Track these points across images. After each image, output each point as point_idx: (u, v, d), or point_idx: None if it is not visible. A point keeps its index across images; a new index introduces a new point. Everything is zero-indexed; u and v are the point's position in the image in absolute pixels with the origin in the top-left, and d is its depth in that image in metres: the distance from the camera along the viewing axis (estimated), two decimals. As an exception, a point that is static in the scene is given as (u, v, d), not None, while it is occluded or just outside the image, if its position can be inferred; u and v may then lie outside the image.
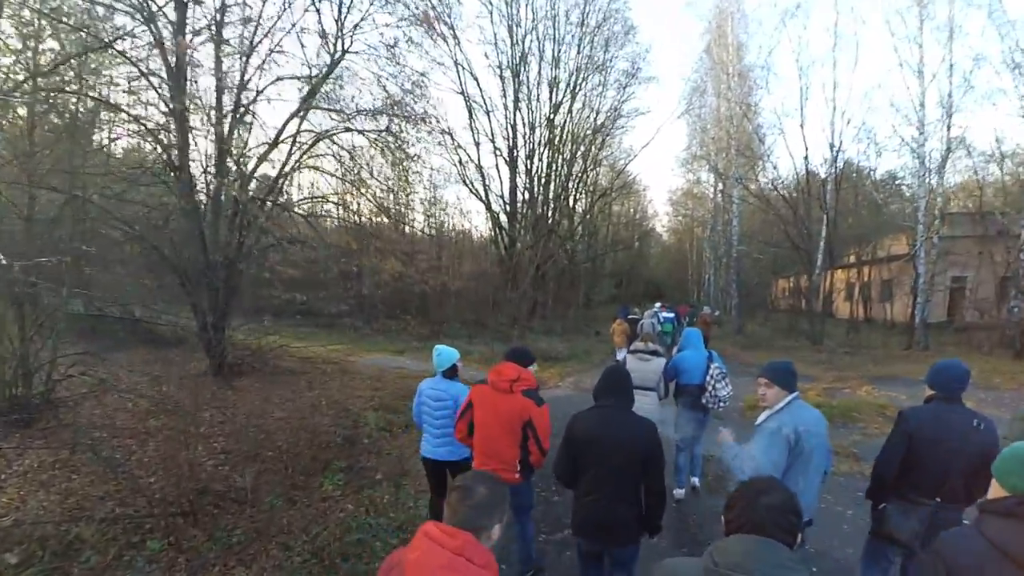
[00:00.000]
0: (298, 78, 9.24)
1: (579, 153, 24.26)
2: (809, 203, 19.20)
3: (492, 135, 20.99)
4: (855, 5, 23.50)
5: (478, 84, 20.21)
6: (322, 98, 9.58)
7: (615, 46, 22.71)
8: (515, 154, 21.13)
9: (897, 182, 25.14)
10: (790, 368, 2.66)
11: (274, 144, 9.16)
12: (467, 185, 20.48)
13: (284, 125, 9.15)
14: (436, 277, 13.39)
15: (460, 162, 20.07)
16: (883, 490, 2.70)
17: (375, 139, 9.93)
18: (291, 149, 9.28)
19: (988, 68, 29.44)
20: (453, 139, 19.20)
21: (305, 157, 9.52)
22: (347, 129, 9.46)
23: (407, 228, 18.26)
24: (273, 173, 9.30)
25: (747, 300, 25.75)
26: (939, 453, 2.47)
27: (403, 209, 17.78)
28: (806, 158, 18.97)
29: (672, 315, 15.21)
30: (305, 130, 9.45)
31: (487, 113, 20.74)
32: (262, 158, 9.13)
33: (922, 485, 2.54)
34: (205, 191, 8.66)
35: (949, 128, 16.48)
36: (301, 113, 9.28)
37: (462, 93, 19.95)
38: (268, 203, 9.22)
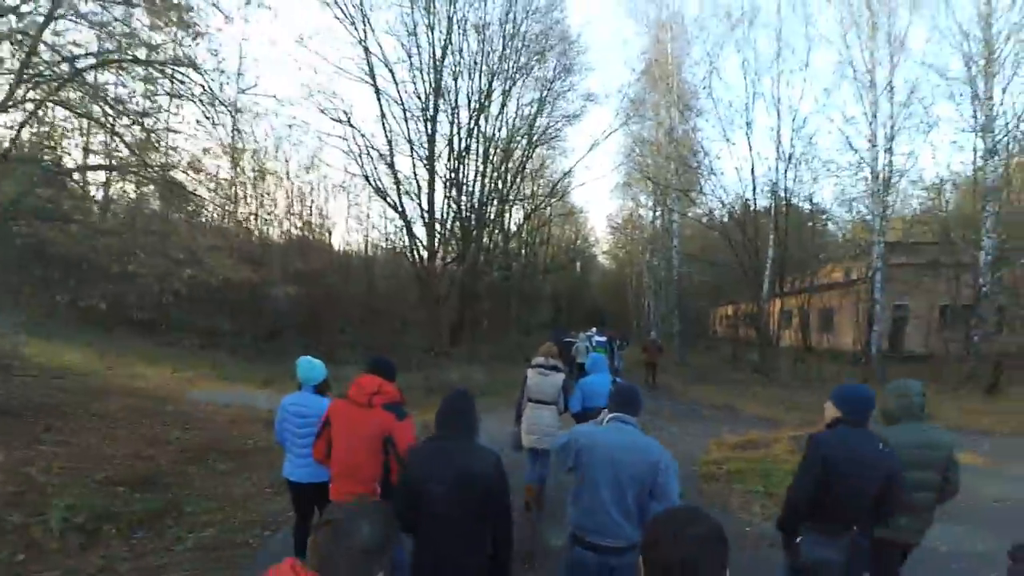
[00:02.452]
0: None
1: (511, 164, 22.13)
2: (757, 223, 17.83)
3: (408, 135, 18.36)
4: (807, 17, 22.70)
5: (393, 77, 17.26)
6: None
7: (552, 56, 21.01)
8: (434, 157, 18.58)
9: (845, 207, 24.38)
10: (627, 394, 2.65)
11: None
12: (371, 183, 17.62)
13: None
14: (314, 287, 10.39)
15: (360, 155, 17.23)
16: (797, 520, 2.56)
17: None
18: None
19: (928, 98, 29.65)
20: (351, 124, 16.55)
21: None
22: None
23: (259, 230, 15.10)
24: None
25: (688, 328, 24.20)
26: (851, 478, 2.41)
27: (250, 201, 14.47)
28: (753, 173, 17.41)
29: (604, 339, 15.69)
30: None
31: (403, 108, 18.12)
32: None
33: (838, 513, 2.47)
34: None
35: (891, 152, 15.62)
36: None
37: (373, 84, 17.29)
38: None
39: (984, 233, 13.08)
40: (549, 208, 33.34)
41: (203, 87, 7.79)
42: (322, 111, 16.92)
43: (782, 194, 17.34)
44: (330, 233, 21.53)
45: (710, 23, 19.27)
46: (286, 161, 19.01)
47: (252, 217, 17.52)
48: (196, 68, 7.63)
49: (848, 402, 2.56)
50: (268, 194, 18.50)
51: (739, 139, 42.03)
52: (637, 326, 36.51)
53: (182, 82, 7.66)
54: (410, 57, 18.17)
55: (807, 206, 21.54)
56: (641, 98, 22.72)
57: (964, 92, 14.08)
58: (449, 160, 19.62)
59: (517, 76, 20.46)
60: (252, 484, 5.42)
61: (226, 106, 8.32)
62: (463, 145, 19.80)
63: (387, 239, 21.67)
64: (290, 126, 18.38)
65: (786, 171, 17.07)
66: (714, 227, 19.58)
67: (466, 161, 20.46)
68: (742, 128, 18.25)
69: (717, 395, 12.88)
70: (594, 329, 19.51)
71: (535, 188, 27.57)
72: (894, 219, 18.61)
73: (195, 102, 7.81)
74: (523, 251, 32.54)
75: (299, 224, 19.44)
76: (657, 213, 27.34)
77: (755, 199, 17.96)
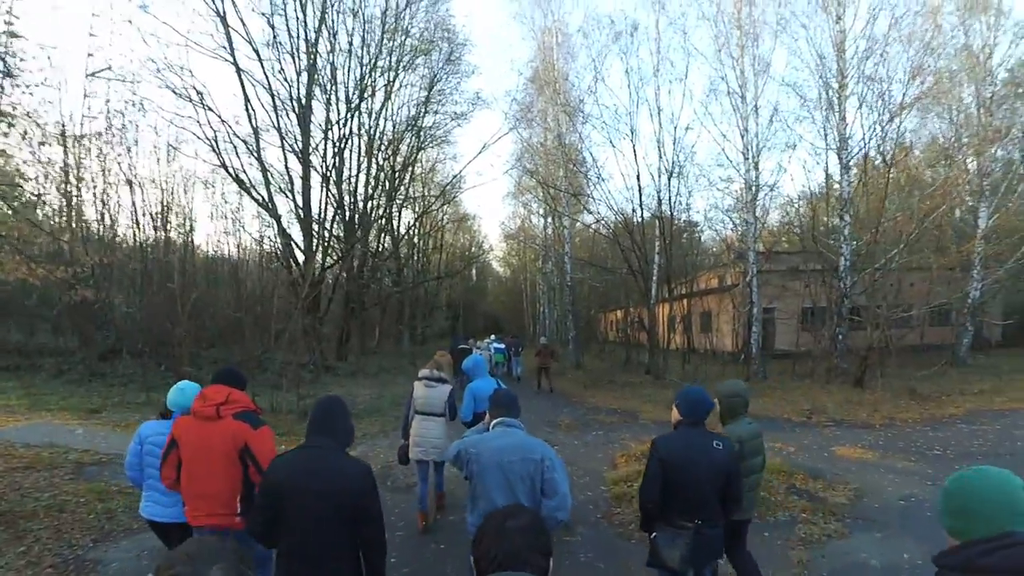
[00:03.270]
0: None
1: (397, 162, 20.72)
2: (644, 230, 18.23)
3: (277, 124, 16.24)
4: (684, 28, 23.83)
5: (259, 56, 15.20)
6: None
7: (437, 51, 20.05)
8: (308, 150, 16.64)
9: (721, 216, 26.12)
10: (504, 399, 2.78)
11: None
12: (230, 172, 15.26)
13: None
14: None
15: (216, 141, 14.87)
16: (651, 520, 2.75)
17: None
18: None
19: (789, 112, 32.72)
20: (205, 105, 14.32)
21: None
22: None
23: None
24: None
25: (581, 333, 24.37)
26: (689, 475, 2.60)
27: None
28: (639, 180, 17.77)
29: (503, 346, 15.85)
30: None
31: (271, 93, 16.00)
32: None
33: (681, 509, 2.63)
34: None
35: (757, 167, 16.76)
36: None
37: (233, 61, 15.03)
38: None
39: (843, 241, 14.34)
40: (442, 213, 32.28)
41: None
42: (170, 89, 14.32)
43: (666, 203, 17.90)
44: (190, 234, 18.51)
45: (593, 32, 19.31)
46: (129, 150, 15.86)
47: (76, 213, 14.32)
48: None
49: (688, 404, 2.78)
50: (111, 184, 15.37)
51: (625, 147, 44.06)
52: (533, 332, 36.55)
53: None
54: (276, 36, 16.15)
55: (686, 215, 22.83)
56: (529, 102, 22.54)
57: (819, 112, 15.59)
58: (327, 154, 17.74)
59: (400, 70, 19.21)
60: (24, 565, 3.79)
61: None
62: (341, 137, 18.03)
63: (259, 242, 19.07)
64: (134, 104, 15.25)
65: (669, 179, 17.62)
66: (604, 233, 19.76)
67: (346, 156, 18.72)
68: (627, 136, 18.62)
69: (614, 399, 12.63)
70: (493, 336, 18.87)
71: (425, 191, 26.31)
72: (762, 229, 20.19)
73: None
74: (415, 257, 31.01)
75: (151, 223, 16.38)
76: (549, 221, 27.48)
77: (642, 206, 18.38)
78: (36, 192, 10.71)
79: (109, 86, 16.83)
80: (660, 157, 17.64)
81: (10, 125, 7.06)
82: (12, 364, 12.52)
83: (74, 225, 13.53)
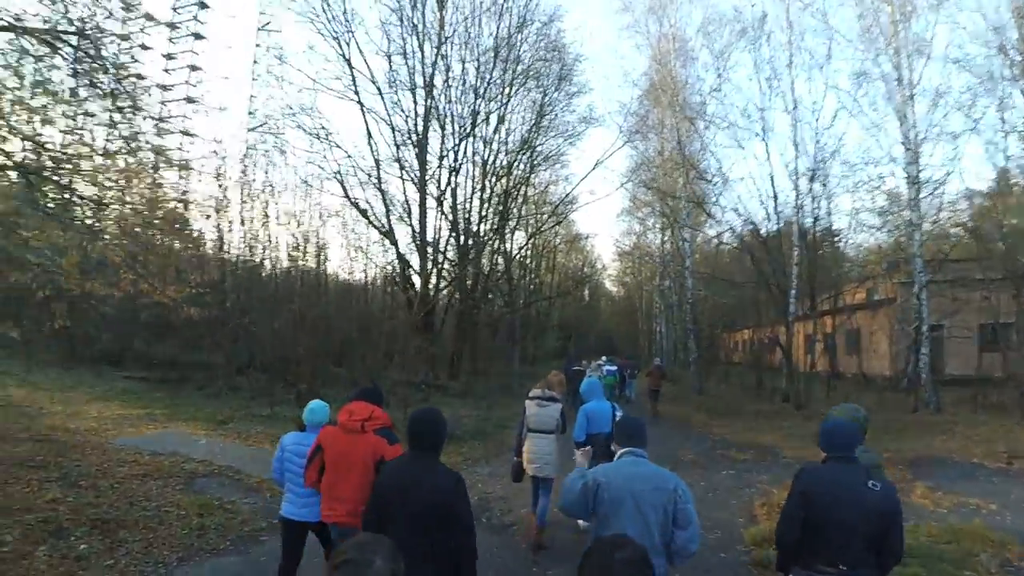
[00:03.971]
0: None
1: (510, 184, 20.97)
2: (781, 237, 16.33)
3: (398, 156, 17.30)
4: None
5: (380, 93, 16.38)
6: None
7: (549, 71, 20.06)
8: (425, 178, 17.44)
9: (873, 220, 22.78)
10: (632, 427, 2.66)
11: None
12: (351, 200, 16.48)
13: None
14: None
15: (341, 175, 16.16)
16: (787, 559, 2.53)
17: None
18: None
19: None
20: (331, 141, 15.61)
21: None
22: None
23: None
24: None
25: (703, 354, 22.42)
26: (834, 515, 2.34)
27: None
28: (773, 183, 15.94)
29: (615, 368, 15.06)
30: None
31: (391, 128, 17.12)
32: None
33: (824, 552, 2.37)
34: None
35: (918, 161, 14.19)
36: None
37: (358, 101, 16.36)
38: None
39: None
40: (554, 234, 32.21)
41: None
42: (301, 128, 16.03)
43: (807, 207, 15.87)
44: (323, 261, 20.40)
45: (716, 31, 18.02)
46: (272, 188, 18.02)
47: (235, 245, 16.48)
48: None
49: (823, 435, 2.55)
50: (264, 224, 17.50)
51: (757, 149, 40.55)
52: (649, 352, 34.72)
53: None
54: (396, 74, 17.36)
55: (830, 220, 20.07)
56: (645, 113, 21.65)
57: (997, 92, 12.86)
58: (441, 180, 18.51)
59: (512, 94, 19.53)
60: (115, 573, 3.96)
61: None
62: (455, 163, 18.70)
63: (382, 267, 20.41)
64: (278, 149, 17.45)
65: (811, 181, 15.61)
66: (730, 244, 18.06)
67: (460, 181, 19.38)
68: (759, 135, 16.86)
69: (745, 431, 11.18)
70: (604, 358, 18.13)
71: (538, 213, 26.37)
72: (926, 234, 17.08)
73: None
74: (527, 277, 31.17)
75: (290, 252, 18.35)
76: (667, 236, 25.98)
77: (777, 211, 16.41)
78: (198, 229, 12.46)
79: (262, 137, 19.40)
80: (797, 156, 15.81)
81: (187, 170, 8.22)
82: (167, 377, 13.93)
83: (225, 255, 15.53)
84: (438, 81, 17.84)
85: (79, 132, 7.31)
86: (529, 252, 29.08)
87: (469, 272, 19.44)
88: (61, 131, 6.78)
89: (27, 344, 12.56)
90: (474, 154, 19.70)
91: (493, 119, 19.66)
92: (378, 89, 16.93)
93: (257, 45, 29.05)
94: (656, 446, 9.44)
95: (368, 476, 2.88)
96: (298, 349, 11.47)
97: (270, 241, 17.43)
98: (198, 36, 36.72)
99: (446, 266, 19.19)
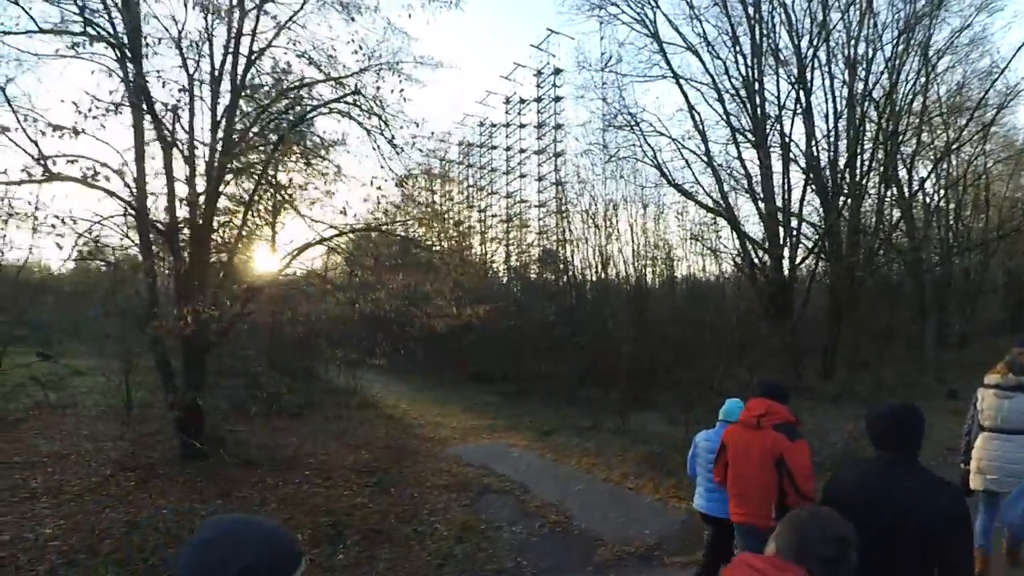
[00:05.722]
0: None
1: (894, 98, 14.89)
2: None
3: (726, 117, 14.44)
4: None
5: (699, 57, 14.36)
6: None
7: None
8: (764, 128, 13.98)
9: None
10: None
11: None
12: (668, 180, 14.55)
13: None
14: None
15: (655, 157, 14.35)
16: None
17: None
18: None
19: None
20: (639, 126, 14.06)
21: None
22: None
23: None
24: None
25: None
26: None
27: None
28: None
29: None
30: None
31: (715, 87, 14.40)
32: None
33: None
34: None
35: None
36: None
37: (673, 76, 14.38)
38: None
39: None
40: (981, 153, 21.78)
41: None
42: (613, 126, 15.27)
43: None
44: (668, 263, 19.25)
45: None
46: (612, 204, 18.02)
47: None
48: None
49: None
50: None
51: None
52: None
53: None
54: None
55: None
56: None
57: None
58: (782, 125, 14.66)
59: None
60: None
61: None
62: (801, 94, 14.45)
63: (714, 252, 17.77)
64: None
65: None
66: None
67: (813, 114, 14.94)
68: None
69: None
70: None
71: (949, 126, 18.20)
72: None
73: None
74: (939, 223, 22.23)
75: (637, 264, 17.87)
76: None
77: None
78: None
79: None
80: None
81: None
82: (518, 389, 14.76)
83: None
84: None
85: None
86: (940, 185, 20.56)
87: (842, 228, 14.86)
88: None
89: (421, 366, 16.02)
90: (826, 71, 14.84)
91: (853, 13, 14.31)
92: (695, 52, 14.60)
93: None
94: None
95: (767, 473, 2.86)
96: (612, 359, 10.85)
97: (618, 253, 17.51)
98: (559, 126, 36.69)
99: (806, 231, 15.21)
